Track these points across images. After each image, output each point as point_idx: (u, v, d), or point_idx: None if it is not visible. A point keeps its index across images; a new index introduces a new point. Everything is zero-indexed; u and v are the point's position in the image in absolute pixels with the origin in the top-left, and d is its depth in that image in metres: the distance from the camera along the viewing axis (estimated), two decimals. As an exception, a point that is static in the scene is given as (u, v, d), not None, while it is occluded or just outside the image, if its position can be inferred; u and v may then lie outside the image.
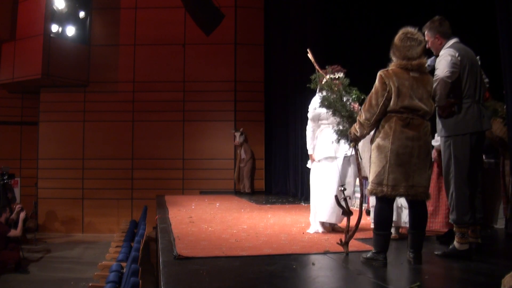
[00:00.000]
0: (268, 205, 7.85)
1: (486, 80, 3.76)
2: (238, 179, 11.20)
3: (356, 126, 3.34)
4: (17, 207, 8.37)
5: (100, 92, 11.46)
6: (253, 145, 11.43)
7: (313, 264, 3.24)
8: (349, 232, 3.57)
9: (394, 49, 3.21)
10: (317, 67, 4.16)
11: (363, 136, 3.40)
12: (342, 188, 3.67)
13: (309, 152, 4.86)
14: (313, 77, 4.09)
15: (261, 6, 11.70)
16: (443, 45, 3.48)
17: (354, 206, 5.64)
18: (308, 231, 4.67)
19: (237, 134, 11.09)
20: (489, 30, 4.60)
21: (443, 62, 3.33)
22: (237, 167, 11.22)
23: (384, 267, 3.10)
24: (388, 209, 3.18)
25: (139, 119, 11.48)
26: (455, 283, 2.91)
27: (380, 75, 3.19)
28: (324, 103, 3.79)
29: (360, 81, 4.05)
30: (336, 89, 3.79)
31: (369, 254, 3.22)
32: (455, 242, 3.37)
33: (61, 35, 11.09)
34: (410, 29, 3.22)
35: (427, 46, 3.55)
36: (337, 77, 4.28)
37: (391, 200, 3.19)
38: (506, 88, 4.02)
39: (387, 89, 3.13)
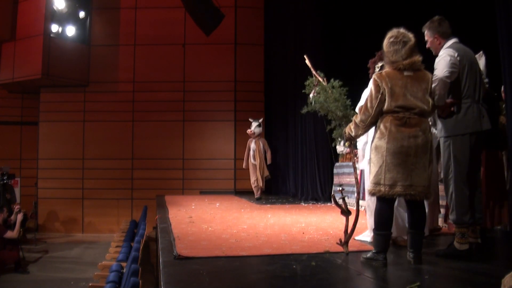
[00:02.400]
0: (268, 205, 7.85)
1: (486, 80, 3.76)
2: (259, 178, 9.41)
3: (351, 126, 3.39)
4: (16, 208, 8.35)
5: (100, 92, 11.47)
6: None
7: (313, 264, 3.23)
8: (348, 232, 3.57)
9: (383, 54, 3.27)
10: (314, 72, 4.15)
11: (357, 136, 3.45)
12: (340, 188, 3.67)
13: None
14: (307, 82, 4.09)
15: (261, 6, 11.71)
16: (442, 45, 3.48)
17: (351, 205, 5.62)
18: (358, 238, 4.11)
19: (254, 124, 9.61)
20: (489, 30, 4.60)
21: (442, 62, 3.33)
22: (261, 164, 9.42)
23: (384, 267, 3.10)
24: (388, 209, 3.18)
25: (139, 119, 11.49)
26: (455, 283, 2.91)
27: (374, 78, 3.24)
28: (316, 105, 3.80)
29: (360, 81, 4.06)
30: (330, 92, 3.80)
31: (369, 254, 3.22)
32: (455, 242, 3.37)
33: (61, 35, 11.11)
34: (394, 31, 3.23)
35: (426, 46, 3.56)
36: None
37: (391, 200, 3.18)
38: (505, 88, 4.02)
39: (380, 91, 3.16)
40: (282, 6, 10.49)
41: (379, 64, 4.03)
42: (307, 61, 4.22)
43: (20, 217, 7.98)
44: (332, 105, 3.69)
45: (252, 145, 9.56)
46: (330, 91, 3.81)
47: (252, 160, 9.46)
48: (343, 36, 7.95)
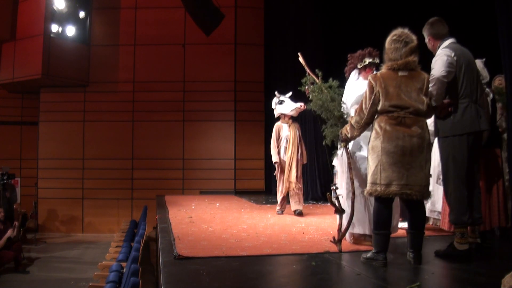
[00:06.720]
0: (268, 205, 7.84)
1: (484, 81, 3.76)
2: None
3: (347, 127, 3.45)
4: (14, 224, 8.26)
5: (100, 92, 11.47)
6: (253, 145, 11.42)
7: (313, 264, 3.24)
8: (342, 230, 3.60)
9: (384, 52, 3.31)
10: (308, 70, 4.16)
11: (353, 138, 3.49)
12: (335, 187, 3.68)
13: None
14: (304, 80, 4.10)
15: (261, 6, 11.70)
16: (438, 46, 3.48)
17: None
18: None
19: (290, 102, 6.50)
20: (489, 30, 4.60)
21: (439, 62, 3.34)
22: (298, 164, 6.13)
23: (384, 267, 3.11)
24: (386, 208, 3.19)
25: (139, 119, 11.49)
26: (455, 283, 2.91)
27: (369, 80, 3.28)
28: (317, 103, 3.81)
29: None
30: (326, 91, 3.81)
31: (369, 254, 3.23)
32: (454, 242, 3.37)
33: (61, 35, 11.11)
34: (398, 31, 3.28)
35: (428, 47, 3.58)
36: (376, 61, 4.02)
37: (389, 200, 3.19)
38: (506, 87, 4.02)
39: (374, 92, 3.20)
40: (282, 6, 10.49)
41: (367, 60, 4.03)
42: (300, 59, 4.22)
43: (9, 232, 7.88)
44: (330, 105, 3.70)
45: (285, 132, 6.32)
46: (326, 91, 3.82)
47: (282, 154, 6.27)
48: (344, 36, 7.95)
